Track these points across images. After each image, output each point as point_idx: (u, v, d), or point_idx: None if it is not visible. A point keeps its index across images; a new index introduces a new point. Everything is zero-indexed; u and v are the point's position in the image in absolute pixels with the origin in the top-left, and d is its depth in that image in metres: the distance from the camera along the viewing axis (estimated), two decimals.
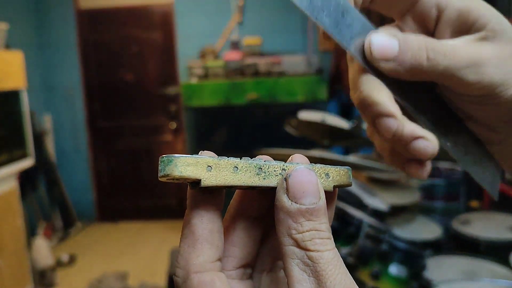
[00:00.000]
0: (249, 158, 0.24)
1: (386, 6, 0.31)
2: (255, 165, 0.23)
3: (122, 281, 2.80)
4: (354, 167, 1.53)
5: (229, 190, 0.25)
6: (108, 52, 4.01)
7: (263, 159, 0.24)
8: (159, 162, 0.22)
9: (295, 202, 0.22)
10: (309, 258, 0.21)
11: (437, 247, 1.67)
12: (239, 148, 3.50)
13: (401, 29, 0.31)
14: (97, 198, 4.18)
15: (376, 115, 0.31)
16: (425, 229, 1.77)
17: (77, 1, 3.96)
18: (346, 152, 2.87)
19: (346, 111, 3.43)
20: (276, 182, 0.24)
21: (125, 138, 4.11)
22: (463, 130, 0.33)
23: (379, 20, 0.33)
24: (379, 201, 1.73)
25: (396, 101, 0.32)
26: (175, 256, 1.94)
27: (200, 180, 0.22)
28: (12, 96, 2.44)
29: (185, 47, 3.85)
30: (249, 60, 3.44)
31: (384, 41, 0.27)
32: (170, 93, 3.95)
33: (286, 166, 0.24)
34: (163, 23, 3.94)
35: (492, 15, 0.28)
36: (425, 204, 2.09)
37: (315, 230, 0.22)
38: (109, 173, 4.17)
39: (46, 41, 3.98)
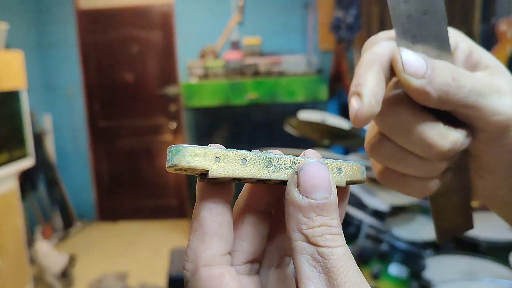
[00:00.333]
0: (259, 151, 0.23)
1: None
2: (265, 157, 0.23)
3: (122, 281, 2.80)
4: None
5: (238, 184, 0.24)
6: (108, 52, 4.01)
7: (273, 153, 0.24)
8: (167, 152, 0.21)
9: (306, 197, 0.21)
10: (320, 254, 0.21)
11: (437, 247, 1.67)
12: (239, 148, 3.48)
13: None
14: (97, 198, 4.18)
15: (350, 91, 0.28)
16: (425, 229, 1.77)
17: (77, 1, 3.96)
18: (346, 152, 2.87)
19: (346, 111, 3.43)
20: (286, 175, 0.23)
21: (125, 138, 4.11)
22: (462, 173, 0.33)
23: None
24: (379, 201, 1.73)
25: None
26: (177, 254, 1.94)
27: (208, 171, 0.21)
28: (12, 96, 2.44)
29: (185, 47, 3.85)
30: (249, 60, 3.44)
31: (414, 58, 0.27)
32: (170, 93, 3.95)
33: (297, 160, 0.23)
34: (163, 23, 3.94)
35: (489, 56, 0.31)
36: (425, 204, 2.09)
37: (326, 226, 0.21)
38: (109, 173, 4.17)
39: (46, 41, 3.98)
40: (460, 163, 0.32)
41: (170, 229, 3.87)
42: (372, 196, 1.74)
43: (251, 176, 0.23)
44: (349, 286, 0.20)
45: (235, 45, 3.62)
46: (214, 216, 0.22)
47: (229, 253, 0.23)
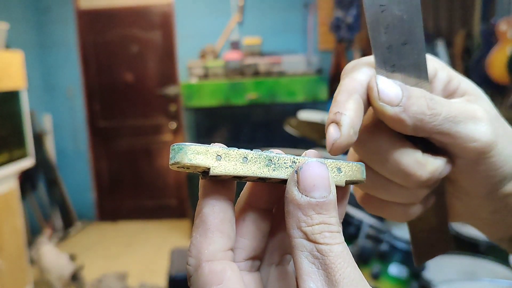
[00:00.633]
0: (260, 150, 0.24)
1: None
2: (265, 156, 0.23)
3: (122, 281, 2.80)
4: None
5: (239, 182, 0.25)
6: (108, 52, 4.02)
7: (274, 152, 0.24)
8: (170, 150, 0.22)
9: (305, 195, 0.22)
10: (319, 251, 0.21)
11: None
12: (239, 148, 3.48)
13: None
14: (97, 198, 4.18)
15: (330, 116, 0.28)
16: None
17: (77, 1, 3.96)
18: (346, 152, 2.86)
19: None
20: (285, 174, 0.24)
21: (125, 138, 4.11)
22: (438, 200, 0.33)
23: (361, 52, 0.33)
24: None
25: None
26: (177, 254, 1.94)
27: (210, 168, 0.22)
28: (12, 96, 2.44)
29: (185, 47, 3.86)
30: (249, 60, 3.44)
31: (390, 86, 0.27)
32: (170, 93, 3.95)
33: (297, 159, 0.24)
34: (163, 23, 3.94)
35: (468, 82, 0.31)
36: None
37: (324, 224, 0.22)
38: (109, 173, 4.17)
39: (46, 41, 3.98)
40: (437, 186, 0.32)
41: (170, 229, 3.87)
42: None
43: (252, 174, 0.23)
44: (347, 282, 0.21)
45: (235, 45, 3.62)
46: (216, 213, 0.23)
47: (231, 249, 0.23)
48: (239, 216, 0.26)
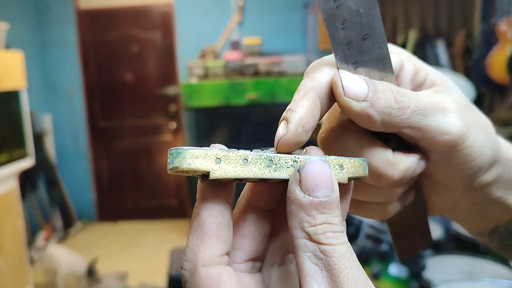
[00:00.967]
0: (260, 150, 0.23)
1: None
2: (266, 157, 0.23)
3: (122, 281, 2.80)
4: None
5: (239, 183, 0.24)
6: (108, 52, 4.02)
7: (274, 151, 0.24)
8: (168, 155, 0.21)
9: (308, 195, 0.21)
10: (322, 251, 0.21)
11: (437, 247, 1.66)
12: (239, 148, 3.49)
13: None
14: (97, 198, 4.18)
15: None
16: None
17: (77, 1, 3.96)
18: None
19: None
20: (287, 174, 0.23)
21: (125, 138, 4.11)
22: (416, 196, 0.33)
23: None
24: None
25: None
26: (177, 254, 1.94)
27: (209, 172, 0.21)
28: (12, 96, 2.44)
29: (185, 47, 3.86)
30: (249, 60, 3.44)
31: (355, 81, 0.26)
32: (170, 93, 3.95)
33: (298, 158, 0.24)
34: (163, 23, 3.94)
35: (435, 72, 0.30)
36: None
37: (327, 224, 0.21)
38: (109, 173, 4.17)
39: (46, 41, 3.98)
40: (414, 182, 0.31)
41: (170, 229, 3.87)
42: None
43: (253, 176, 0.23)
44: (351, 284, 0.20)
45: (235, 45, 3.62)
46: (214, 217, 0.22)
47: (227, 254, 0.23)
48: (239, 217, 0.25)
